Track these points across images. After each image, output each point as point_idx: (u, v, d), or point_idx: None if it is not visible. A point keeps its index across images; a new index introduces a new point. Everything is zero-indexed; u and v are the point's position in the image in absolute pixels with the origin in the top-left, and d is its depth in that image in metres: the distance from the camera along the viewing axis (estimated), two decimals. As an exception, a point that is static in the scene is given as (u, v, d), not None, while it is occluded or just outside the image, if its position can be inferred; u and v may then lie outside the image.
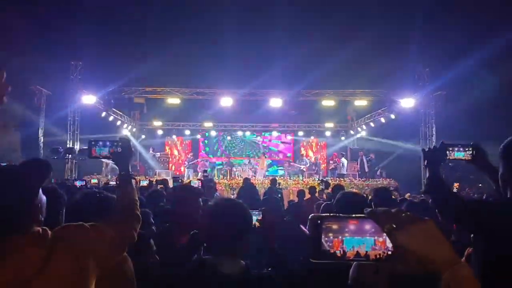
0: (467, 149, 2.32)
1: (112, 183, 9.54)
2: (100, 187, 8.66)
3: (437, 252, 0.76)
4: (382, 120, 17.34)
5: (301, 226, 4.98)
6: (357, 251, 0.83)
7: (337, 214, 0.86)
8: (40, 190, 1.38)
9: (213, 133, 22.07)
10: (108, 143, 2.07)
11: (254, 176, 17.31)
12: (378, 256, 0.83)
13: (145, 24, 13.43)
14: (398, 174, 15.91)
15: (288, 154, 20.30)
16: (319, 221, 0.83)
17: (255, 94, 16.47)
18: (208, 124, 21.09)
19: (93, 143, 2.09)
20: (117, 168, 1.96)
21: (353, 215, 0.85)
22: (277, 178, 12.89)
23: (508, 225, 1.72)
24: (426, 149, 2.33)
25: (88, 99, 15.04)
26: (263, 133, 21.97)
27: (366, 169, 17.38)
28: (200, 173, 17.20)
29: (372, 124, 18.99)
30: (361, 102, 16.97)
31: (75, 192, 3.00)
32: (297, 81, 15.58)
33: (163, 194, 5.00)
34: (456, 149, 2.32)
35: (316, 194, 8.50)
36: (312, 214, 0.86)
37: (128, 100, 16.85)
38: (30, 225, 1.33)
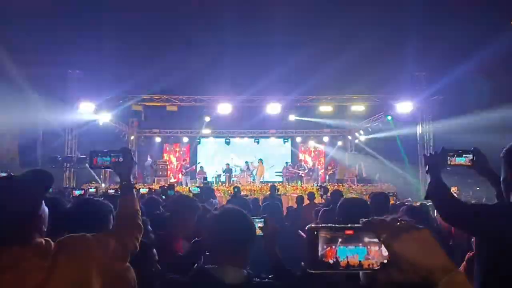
0: (467, 154, 2.33)
1: (111, 191, 9.51)
2: (98, 196, 8.64)
3: (432, 260, 0.77)
4: (380, 125, 17.38)
5: (300, 232, 4.97)
6: (348, 262, 0.83)
7: (334, 225, 0.86)
8: (43, 201, 1.38)
9: (211, 140, 22.07)
10: (109, 153, 2.08)
11: (253, 182, 17.31)
12: (371, 266, 0.83)
13: (143, 32, 13.48)
14: (397, 179, 15.92)
15: (286, 161, 20.27)
16: (315, 232, 0.84)
17: (252, 100, 16.50)
18: (206, 131, 21.09)
19: (94, 153, 2.10)
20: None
21: (349, 225, 0.86)
22: (276, 184, 12.87)
23: (510, 228, 1.73)
24: (428, 155, 2.34)
25: (86, 107, 15.03)
26: (259, 139, 21.96)
27: (364, 174, 17.39)
28: (198, 180, 17.19)
29: (369, 129, 19.04)
30: (358, 108, 17.02)
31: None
32: (295, 87, 15.64)
33: (159, 202, 5.00)
34: (457, 154, 2.33)
35: (316, 200, 8.49)
36: (309, 225, 0.87)
37: (126, 108, 16.83)
38: (33, 236, 1.33)
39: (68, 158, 14.87)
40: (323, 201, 8.80)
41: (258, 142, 21.67)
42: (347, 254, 0.83)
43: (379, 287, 0.83)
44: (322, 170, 21.31)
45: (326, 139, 21.97)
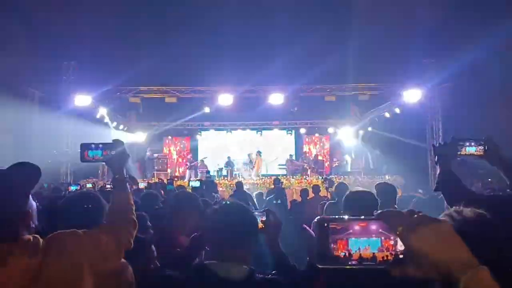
0: (479, 143, 2.28)
1: (109, 187, 9.52)
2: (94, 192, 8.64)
3: (453, 255, 0.74)
4: (387, 114, 17.31)
5: (305, 227, 4.95)
6: (361, 254, 0.81)
7: (345, 217, 0.85)
8: (30, 197, 1.36)
9: (212, 132, 22.07)
10: (101, 146, 2.04)
11: (255, 176, 17.33)
12: (385, 258, 0.81)
13: (139, 20, 13.42)
14: (405, 170, 15.88)
15: (290, 153, 20.25)
16: (325, 224, 0.82)
17: (254, 91, 16.44)
18: (206, 123, 21.06)
19: (85, 146, 2.07)
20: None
21: (362, 217, 0.84)
22: (279, 177, 12.88)
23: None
24: (437, 145, 2.30)
25: (82, 100, 15.01)
26: (262, 131, 21.95)
27: (371, 166, 17.37)
28: (200, 174, 17.24)
29: (376, 119, 18.97)
30: (364, 97, 16.94)
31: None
32: (298, 77, 15.56)
33: (158, 197, 5.01)
34: (467, 144, 2.29)
35: (321, 193, 8.48)
36: (319, 217, 0.85)
37: (124, 100, 16.82)
38: (21, 232, 1.30)
39: (64, 152, 14.91)
40: (329, 194, 8.79)
41: (261, 134, 21.65)
42: (359, 246, 0.81)
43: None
44: (327, 163, 21.30)
45: (331, 130, 21.92)
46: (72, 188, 7.98)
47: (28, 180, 1.37)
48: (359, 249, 0.81)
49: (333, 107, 18.39)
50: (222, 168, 18.51)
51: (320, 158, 20.12)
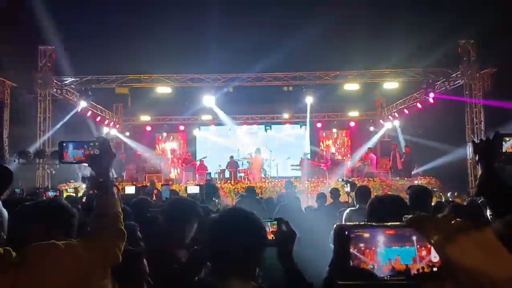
0: None
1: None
2: (78, 198, 8.70)
3: (498, 268, 0.73)
4: (419, 105, 17.21)
5: (331, 237, 4.94)
6: (393, 266, 0.80)
7: (368, 223, 0.83)
8: (0, 204, 1.36)
9: (213, 128, 22.06)
10: (82, 145, 2.05)
11: (265, 178, 17.30)
12: (421, 271, 0.80)
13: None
14: (440, 171, 15.79)
15: (304, 151, 20.21)
16: (346, 232, 0.81)
17: (262, 78, 16.42)
18: (206, 117, 21.08)
19: (64, 145, 2.07)
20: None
21: (389, 224, 0.83)
22: (292, 180, 12.86)
23: None
24: (477, 141, 2.28)
25: (61, 90, 15.10)
26: (271, 126, 21.92)
27: (400, 166, 17.27)
28: (199, 177, 17.24)
29: (406, 111, 18.85)
30: (391, 85, 16.83)
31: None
32: (313, 61, 15.51)
33: (150, 204, 5.01)
34: None
35: (341, 199, 8.46)
36: (338, 224, 0.84)
37: (109, 90, 16.87)
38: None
39: (40, 152, 14.98)
40: (350, 199, 8.77)
41: (270, 129, 21.62)
42: (390, 257, 0.80)
43: None
44: (349, 162, 21.23)
45: (352, 124, 21.83)
46: (50, 194, 8.06)
47: (-1, 184, 1.38)
48: (389, 260, 0.80)
49: (355, 96, 18.32)
50: (225, 169, 18.50)
51: (339, 156, 20.05)
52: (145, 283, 2.24)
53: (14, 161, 13.40)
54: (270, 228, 1.90)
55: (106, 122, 19.54)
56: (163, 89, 16.63)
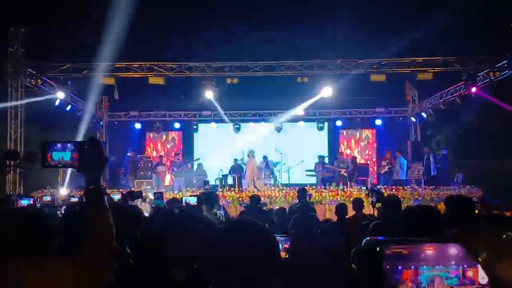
0: None
1: (74, 199, 9.67)
2: (55, 207, 8.76)
3: None
4: (457, 100, 17.14)
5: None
6: None
7: (406, 238, 0.84)
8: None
9: (214, 126, 22.04)
10: (69, 146, 2.05)
11: (274, 185, 17.32)
12: None
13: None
14: (483, 179, 15.70)
15: (321, 154, 20.15)
16: (378, 248, 0.81)
17: (271, 67, 16.39)
18: (205, 113, 21.07)
19: (48, 145, 2.07)
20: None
21: (429, 238, 0.84)
22: (306, 188, 12.85)
23: None
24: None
25: (35, 80, 15.10)
26: (282, 124, 21.89)
27: (435, 172, 17.22)
28: (196, 183, 17.31)
29: (441, 107, 18.78)
30: (425, 76, 16.76)
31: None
32: (331, 48, 15.47)
33: (140, 215, 5.03)
34: None
35: (365, 211, 8.46)
36: (368, 238, 0.85)
37: (93, 81, 16.89)
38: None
39: (12, 154, 15.03)
40: (376, 211, 8.75)
41: (281, 128, 21.58)
42: (432, 278, 0.80)
43: None
44: (374, 167, 21.17)
45: (378, 122, 21.77)
46: (23, 202, 8.07)
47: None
48: (432, 282, 0.80)
49: (382, 89, 18.26)
50: (227, 175, 18.51)
51: (363, 160, 20.01)
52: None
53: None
54: (283, 245, 1.91)
55: (89, 117, 19.55)
56: (155, 80, 16.62)
